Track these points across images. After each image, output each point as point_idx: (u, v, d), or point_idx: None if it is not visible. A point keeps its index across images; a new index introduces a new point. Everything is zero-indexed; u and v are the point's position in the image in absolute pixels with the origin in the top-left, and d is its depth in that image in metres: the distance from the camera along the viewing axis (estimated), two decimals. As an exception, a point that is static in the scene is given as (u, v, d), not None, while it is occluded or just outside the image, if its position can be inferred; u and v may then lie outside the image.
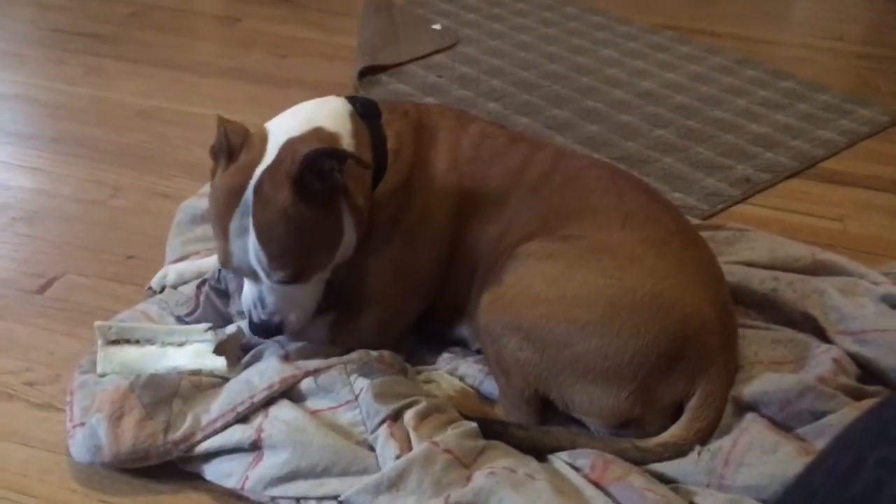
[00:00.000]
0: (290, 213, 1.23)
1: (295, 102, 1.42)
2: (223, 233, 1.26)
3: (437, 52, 2.83)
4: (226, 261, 1.28)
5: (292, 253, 1.25)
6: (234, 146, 1.28)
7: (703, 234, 1.56)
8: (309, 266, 1.29)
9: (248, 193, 1.23)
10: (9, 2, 3.14)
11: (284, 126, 1.32)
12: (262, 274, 1.27)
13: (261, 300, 1.31)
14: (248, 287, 1.33)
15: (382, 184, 1.37)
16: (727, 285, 1.39)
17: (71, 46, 2.74)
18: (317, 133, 1.31)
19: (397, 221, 1.38)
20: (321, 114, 1.35)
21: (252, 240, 1.23)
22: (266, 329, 1.32)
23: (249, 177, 1.24)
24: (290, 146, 1.26)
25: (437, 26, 3.05)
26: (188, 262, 1.60)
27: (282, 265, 1.25)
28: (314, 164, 1.22)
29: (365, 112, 1.40)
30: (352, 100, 1.42)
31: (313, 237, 1.27)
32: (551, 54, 2.89)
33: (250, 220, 1.23)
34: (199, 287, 1.48)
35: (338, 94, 1.44)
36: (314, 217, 1.25)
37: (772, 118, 2.48)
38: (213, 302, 1.46)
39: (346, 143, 1.33)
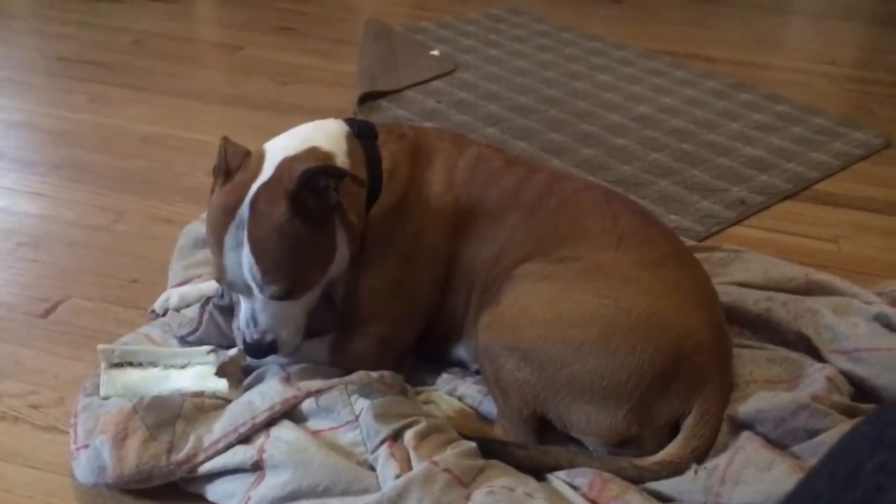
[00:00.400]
0: (285, 229, 1.25)
1: (295, 127, 1.44)
2: (219, 247, 1.28)
3: (436, 77, 2.86)
4: (220, 275, 1.31)
5: (286, 267, 1.27)
6: (231, 165, 1.32)
7: (699, 255, 1.58)
8: (302, 281, 1.31)
9: (244, 208, 1.26)
10: (14, 31, 3.19)
11: (281, 145, 1.35)
12: (255, 288, 1.28)
13: (253, 318, 1.33)
14: (243, 305, 1.35)
15: (378, 204, 1.39)
16: (722, 306, 1.41)
17: (75, 74, 2.78)
18: (312, 152, 1.34)
19: (393, 241, 1.40)
20: (317, 134, 1.39)
21: (246, 253, 1.26)
22: (258, 348, 1.34)
23: (245, 193, 1.27)
24: (286, 164, 1.29)
25: (435, 52, 3.09)
26: (191, 286, 1.61)
27: (275, 279, 1.27)
28: (311, 181, 1.25)
29: (362, 133, 1.43)
30: (349, 122, 1.45)
31: (307, 253, 1.29)
32: (548, 79, 2.92)
33: (245, 234, 1.26)
34: (203, 306, 1.50)
35: (340, 118, 1.47)
36: (308, 233, 1.27)
37: (766, 141, 2.51)
38: (216, 320, 1.48)
39: (341, 162, 1.35)
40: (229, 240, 1.27)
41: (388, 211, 1.40)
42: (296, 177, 1.24)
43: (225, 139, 1.35)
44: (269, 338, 1.33)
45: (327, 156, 1.35)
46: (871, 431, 0.71)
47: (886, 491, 0.65)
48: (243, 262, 1.27)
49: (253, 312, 1.33)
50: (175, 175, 2.17)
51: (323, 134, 1.39)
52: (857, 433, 0.73)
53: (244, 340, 1.35)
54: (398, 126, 1.53)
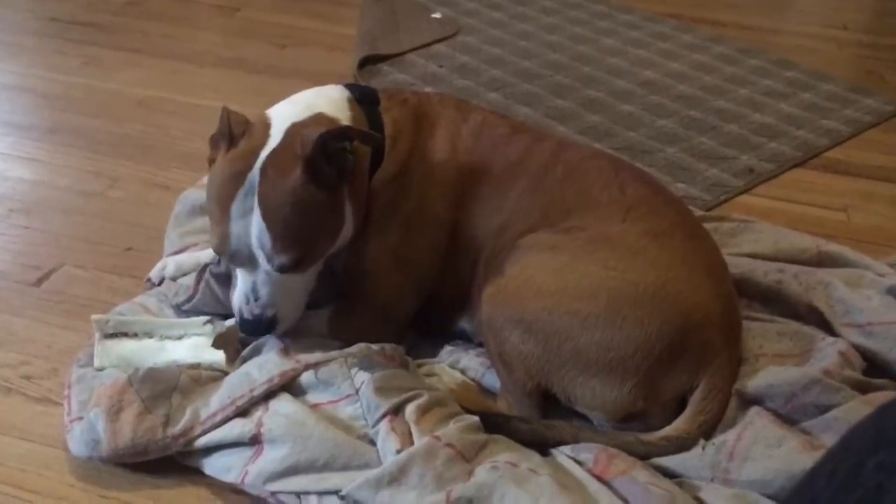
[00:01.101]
0: (300, 194, 1.22)
1: (295, 93, 1.42)
2: (223, 215, 1.24)
3: (438, 41, 2.81)
4: (222, 245, 1.26)
5: (297, 235, 1.24)
6: (235, 133, 1.28)
7: (707, 225, 1.55)
8: (311, 253, 1.28)
9: (254, 174, 1.23)
10: (6, -9, 3.12)
11: (286, 112, 1.32)
12: (262, 258, 1.25)
13: (254, 292, 1.29)
14: (241, 279, 1.31)
15: (380, 171, 1.36)
16: (731, 277, 1.37)
17: (69, 36, 2.72)
18: (318, 118, 1.31)
19: (395, 209, 1.37)
20: (321, 101, 1.36)
21: (256, 221, 1.23)
22: (258, 324, 1.30)
23: (254, 160, 1.25)
24: (295, 130, 1.27)
25: (437, 15, 3.03)
26: (187, 254, 1.58)
27: (285, 248, 1.23)
28: (326, 145, 1.23)
29: (363, 99, 1.40)
30: (351, 87, 1.42)
31: (319, 221, 1.26)
32: (552, 43, 2.87)
33: (255, 200, 1.23)
34: (199, 273, 1.47)
35: (341, 84, 1.43)
36: (321, 201, 1.25)
37: (775, 108, 2.46)
38: (212, 288, 1.45)
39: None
40: (236, 207, 1.23)
41: (390, 179, 1.37)
42: (312, 141, 1.22)
43: (226, 109, 1.31)
44: (269, 313, 1.30)
45: (333, 122, 1.32)
46: (872, 430, 0.70)
47: (887, 490, 0.65)
48: (252, 230, 1.23)
49: (254, 286, 1.29)
50: (171, 140, 2.12)
51: (326, 100, 1.37)
52: (858, 432, 0.73)
53: (241, 317, 1.31)
54: (400, 92, 1.49)
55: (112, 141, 2.10)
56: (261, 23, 2.94)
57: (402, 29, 2.87)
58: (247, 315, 1.30)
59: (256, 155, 1.25)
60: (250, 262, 1.27)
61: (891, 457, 0.66)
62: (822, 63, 2.81)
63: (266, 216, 1.23)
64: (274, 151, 1.25)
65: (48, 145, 2.07)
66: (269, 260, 1.25)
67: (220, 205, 1.25)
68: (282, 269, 1.26)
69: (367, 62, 2.57)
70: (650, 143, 2.23)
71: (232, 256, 1.28)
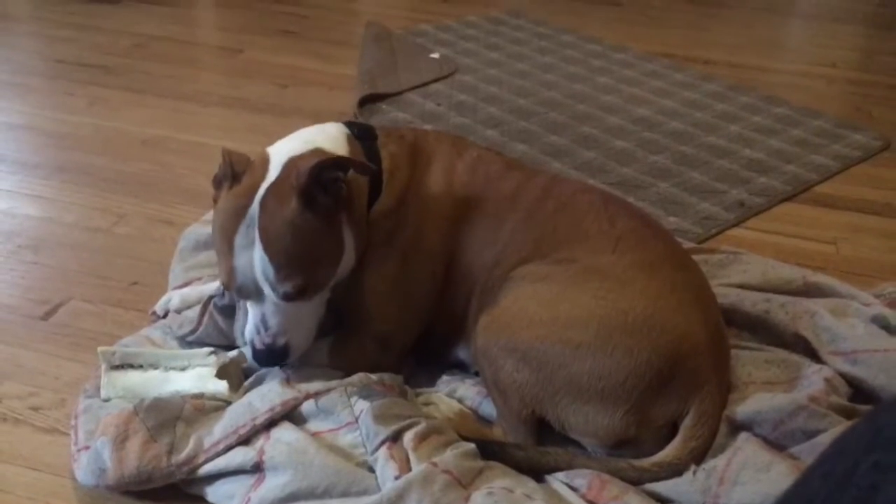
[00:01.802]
0: (297, 223, 1.26)
1: (296, 130, 1.46)
2: (228, 249, 1.28)
3: (436, 80, 2.87)
4: (229, 279, 1.30)
5: (297, 263, 1.27)
6: (237, 171, 1.33)
7: (697, 257, 1.58)
8: (314, 280, 1.31)
9: (254, 207, 1.27)
10: (15, 34, 3.20)
11: (285, 148, 1.37)
12: (267, 288, 1.28)
13: (264, 322, 1.32)
14: (251, 312, 1.34)
15: (378, 204, 1.41)
16: (719, 307, 1.41)
17: (76, 77, 2.78)
18: (316, 153, 1.35)
19: (392, 241, 1.41)
20: (319, 136, 1.41)
21: (258, 252, 1.27)
22: (271, 354, 1.33)
23: (254, 194, 1.29)
24: (292, 163, 1.31)
25: (435, 55, 3.10)
26: (191, 288, 1.62)
27: (288, 276, 1.27)
28: (320, 175, 1.27)
29: (361, 135, 1.45)
30: (349, 124, 1.47)
31: (319, 248, 1.30)
32: (548, 82, 2.93)
33: (256, 232, 1.27)
34: (204, 305, 1.50)
35: (340, 121, 1.48)
36: (319, 227, 1.29)
37: (765, 143, 2.52)
38: (216, 320, 1.48)
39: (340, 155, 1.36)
40: (239, 240, 1.27)
41: (387, 211, 1.41)
42: (305, 171, 1.26)
43: (226, 150, 1.36)
44: (281, 341, 1.32)
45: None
46: (867, 431, 0.70)
47: (882, 490, 0.65)
48: (255, 261, 1.27)
49: (263, 317, 1.32)
50: (175, 177, 2.17)
51: (324, 136, 1.41)
52: (853, 433, 0.73)
53: (254, 348, 1.34)
54: (397, 129, 1.54)
55: (118, 178, 2.15)
56: (263, 63, 3.01)
57: (401, 68, 2.93)
58: (259, 346, 1.33)
59: (256, 189, 1.29)
60: (257, 294, 1.30)
61: (885, 457, 0.65)
62: (811, 100, 2.87)
63: (267, 247, 1.26)
64: (272, 185, 1.29)
65: (55, 183, 2.12)
66: (274, 289, 1.28)
67: (225, 240, 1.29)
68: (287, 298, 1.29)
69: (366, 101, 2.63)
70: (643, 178, 2.28)
71: (239, 290, 1.31)
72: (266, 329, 1.32)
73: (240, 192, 1.30)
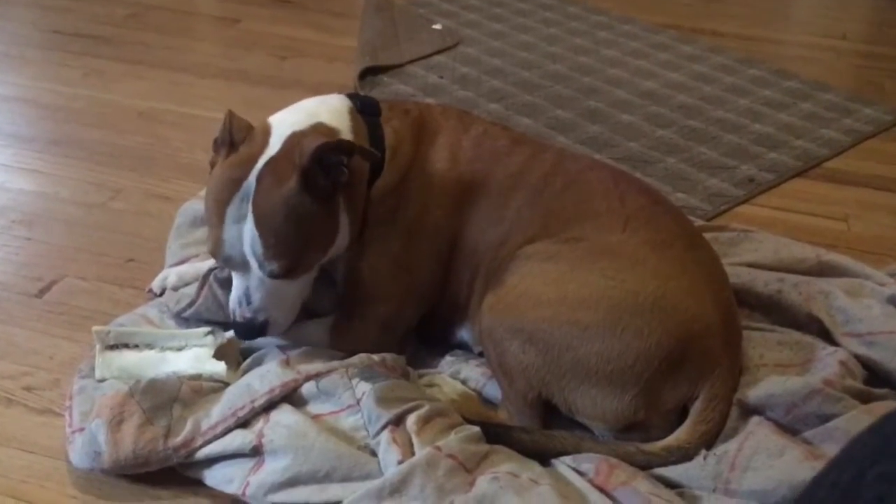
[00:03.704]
0: (293, 203, 1.23)
1: (294, 102, 1.42)
2: (219, 219, 1.26)
3: (438, 52, 2.82)
4: (217, 249, 1.28)
5: (288, 244, 1.25)
6: (236, 138, 1.30)
7: (707, 235, 1.55)
8: (302, 261, 1.28)
9: (251, 181, 1.25)
10: (9, 4, 3.13)
11: (287, 120, 1.33)
12: (254, 264, 1.26)
13: (247, 296, 1.30)
14: (236, 283, 1.32)
15: (380, 180, 1.37)
16: (731, 287, 1.38)
17: (71, 48, 2.73)
18: (319, 128, 1.32)
19: (396, 219, 1.38)
20: (322, 110, 1.37)
21: (249, 227, 1.24)
22: (249, 328, 1.31)
23: (252, 166, 1.26)
24: (294, 139, 1.28)
25: (437, 26, 3.04)
26: (188, 265, 1.59)
27: (276, 255, 1.25)
28: (323, 157, 1.24)
29: (364, 109, 1.41)
30: (352, 97, 1.43)
31: (311, 231, 1.27)
32: (553, 54, 2.88)
33: (249, 206, 1.24)
34: (204, 278, 1.47)
35: (343, 94, 1.44)
36: (315, 210, 1.26)
37: (775, 118, 2.47)
38: (215, 293, 1.45)
39: (346, 138, 1.33)
40: (231, 212, 1.25)
41: (390, 188, 1.38)
42: (309, 152, 1.23)
43: (230, 112, 1.33)
44: (261, 317, 1.31)
45: (333, 132, 1.33)
46: (874, 441, 0.71)
47: (888, 500, 0.65)
48: (245, 235, 1.24)
49: (247, 290, 1.30)
50: (172, 151, 2.13)
51: (327, 109, 1.37)
52: (860, 442, 0.73)
53: (234, 320, 1.33)
54: (402, 102, 1.50)
55: (113, 152, 2.11)
56: (261, 34, 2.95)
57: (403, 40, 2.88)
58: (239, 318, 1.32)
59: (255, 162, 1.26)
60: (243, 267, 1.28)
61: (891, 467, 0.66)
62: (821, 73, 2.82)
63: (259, 223, 1.24)
64: (272, 159, 1.26)
65: (50, 157, 2.08)
66: (261, 266, 1.26)
67: (217, 209, 1.26)
68: (273, 276, 1.27)
69: (367, 73, 2.58)
70: (650, 154, 2.23)
71: (226, 260, 1.29)
72: (248, 303, 1.30)
73: (237, 161, 1.28)
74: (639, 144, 2.28)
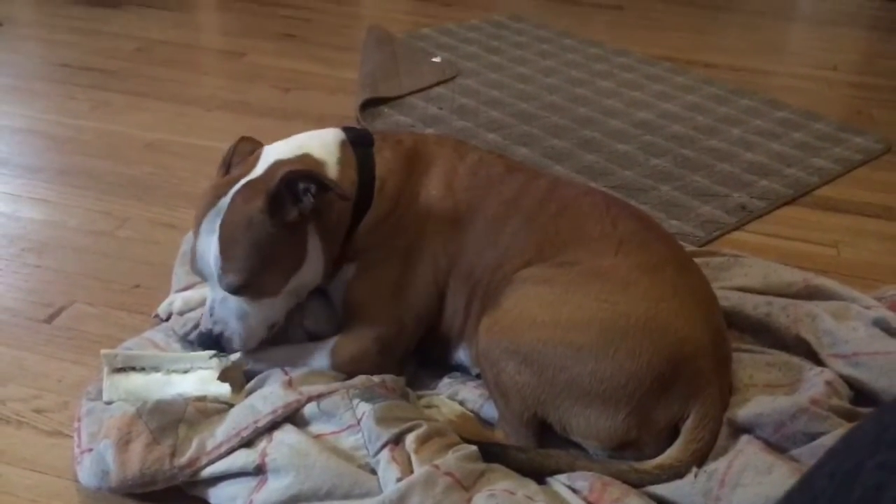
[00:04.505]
0: (254, 223, 1.31)
1: (297, 133, 1.48)
2: (196, 232, 1.35)
3: (438, 84, 2.88)
4: (192, 261, 1.37)
5: (245, 261, 1.32)
6: (233, 161, 1.41)
7: (698, 260, 1.59)
8: (259, 281, 1.35)
9: (226, 199, 1.33)
10: (18, 38, 3.20)
11: (278, 149, 1.42)
12: (215, 276, 1.34)
13: (211, 308, 1.39)
14: (208, 296, 1.41)
15: (372, 209, 1.43)
16: (721, 310, 1.41)
17: (79, 81, 2.79)
18: (303, 158, 1.39)
19: (391, 246, 1.43)
20: (312, 142, 1.44)
21: (215, 240, 1.32)
22: (206, 338, 1.39)
23: (233, 186, 1.34)
24: (276, 166, 1.36)
25: (437, 59, 3.10)
26: (194, 290, 1.62)
27: (232, 269, 1.32)
28: (292, 183, 1.31)
29: (357, 141, 1.47)
30: (347, 130, 1.50)
31: (271, 254, 1.33)
32: (550, 85, 2.94)
33: (219, 221, 1.32)
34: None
35: (339, 126, 1.49)
36: (276, 234, 1.32)
37: (767, 147, 2.52)
38: None
39: (331, 169, 1.41)
40: (205, 225, 1.34)
41: (383, 217, 1.43)
42: (278, 177, 1.30)
43: (241, 138, 1.45)
44: (217, 329, 1.38)
45: (318, 163, 1.40)
46: (872, 430, 0.70)
47: (887, 489, 0.64)
48: (211, 248, 1.33)
49: (212, 303, 1.39)
50: (178, 181, 2.18)
51: (317, 142, 1.44)
52: (858, 432, 0.73)
53: (200, 329, 1.41)
54: (397, 133, 1.56)
55: (121, 182, 2.16)
56: (265, 67, 3.02)
57: (403, 72, 2.94)
58: (201, 327, 1.41)
59: (236, 183, 1.35)
60: (211, 280, 1.36)
61: (890, 457, 0.65)
62: (812, 103, 2.87)
63: (221, 237, 1.32)
64: (249, 181, 1.35)
65: (59, 186, 2.13)
66: (219, 279, 1.34)
67: (196, 222, 1.36)
68: (229, 289, 1.34)
69: (368, 105, 2.63)
70: (645, 182, 2.28)
71: (198, 272, 1.39)
72: (210, 315, 1.38)
73: (224, 181, 1.37)
74: (633, 173, 2.33)
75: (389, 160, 1.45)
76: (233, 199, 1.33)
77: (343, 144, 1.45)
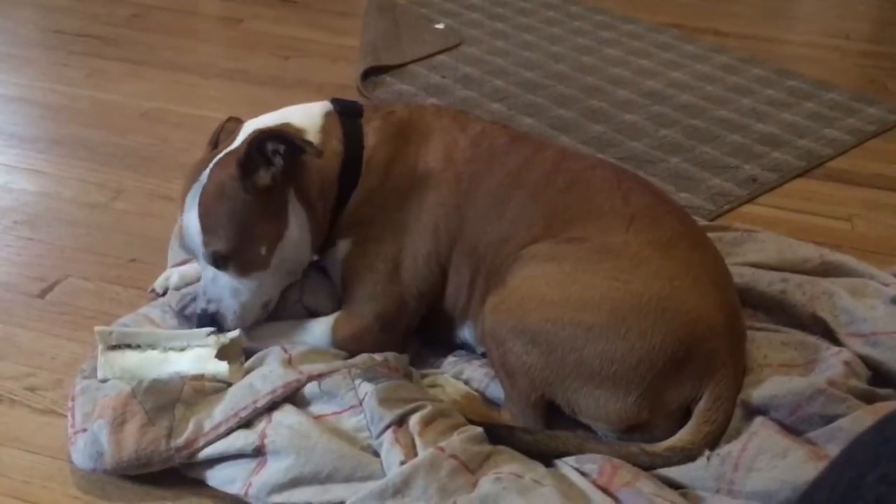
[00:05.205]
0: (228, 190, 1.30)
1: (297, 103, 1.44)
2: (181, 208, 1.35)
3: (441, 52, 2.82)
4: (181, 237, 1.38)
5: (223, 230, 1.31)
6: (220, 139, 1.41)
7: (710, 235, 1.55)
8: (242, 252, 1.33)
9: (206, 171, 1.32)
10: (11, 3, 3.14)
11: (260, 121, 1.40)
12: (199, 249, 1.33)
13: (203, 286, 1.37)
14: (202, 275, 1.39)
15: (363, 180, 1.40)
16: (735, 287, 1.37)
17: (73, 48, 2.73)
18: (282, 126, 1.37)
19: (387, 218, 1.40)
20: (296, 112, 1.43)
21: (195, 212, 1.31)
22: (201, 317, 1.38)
23: (214, 160, 1.34)
24: (250, 134, 1.34)
25: (440, 26, 3.05)
26: (191, 265, 1.58)
27: (213, 241, 1.32)
28: (261, 145, 1.30)
29: (345, 111, 1.44)
30: (336, 101, 1.47)
31: (249, 221, 1.32)
32: (556, 54, 2.87)
33: (199, 195, 1.31)
34: None
35: (341, 96, 1.45)
36: (253, 201, 1.31)
37: (778, 117, 2.47)
38: None
39: (312, 136, 1.38)
40: (189, 199, 1.33)
41: (374, 187, 1.40)
42: (245, 142, 1.29)
43: (230, 118, 1.44)
44: (211, 308, 1.37)
45: (297, 130, 1.37)
46: (873, 443, 0.70)
47: (888, 502, 0.64)
48: (193, 222, 1.32)
49: (205, 281, 1.37)
50: (175, 151, 2.13)
51: (302, 113, 1.43)
52: (860, 444, 0.73)
53: (195, 308, 1.40)
54: (389, 104, 1.54)
55: (116, 152, 2.11)
56: (264, 34, 2.95)
57: (405, 40, 2.88)
58: (196, 307, 1.39)
59: (217, 157, 1.34)
60: (199, 256, 1.36)
61: (891, 469, 0.65)
62: (824, 72, 2.82)
63: (200, 208, 1.31)
64: (225, 153, 1.34)
65: (52, 157, 2.08)
66: (203, 252, 1.33)
67: (182, 198, 1.35)
68: (214, 262, 1.34)
69: (370, 73, 2.58)
70: (653, 153, 2.23)
71: (187, 249, 1.39)
72: (204, 293, 1.36)
73: (207, 156, 1.37)
74: (642, 144, 2.28)
75: (379, 130, 1.42)
76: (210, 171, 1.32)
77: (328, 114, 1.42)
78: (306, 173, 1.35)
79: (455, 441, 1.18)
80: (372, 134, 1.41)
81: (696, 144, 2.28)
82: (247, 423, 1.24)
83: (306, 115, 1.41)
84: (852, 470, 0.69)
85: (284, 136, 1.30)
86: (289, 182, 1.34)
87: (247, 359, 1.38)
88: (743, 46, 3.03)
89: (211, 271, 1.35)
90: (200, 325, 1.37)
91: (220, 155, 1.34)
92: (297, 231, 1.36)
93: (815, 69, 2.84)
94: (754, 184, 2.10)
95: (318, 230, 1.39)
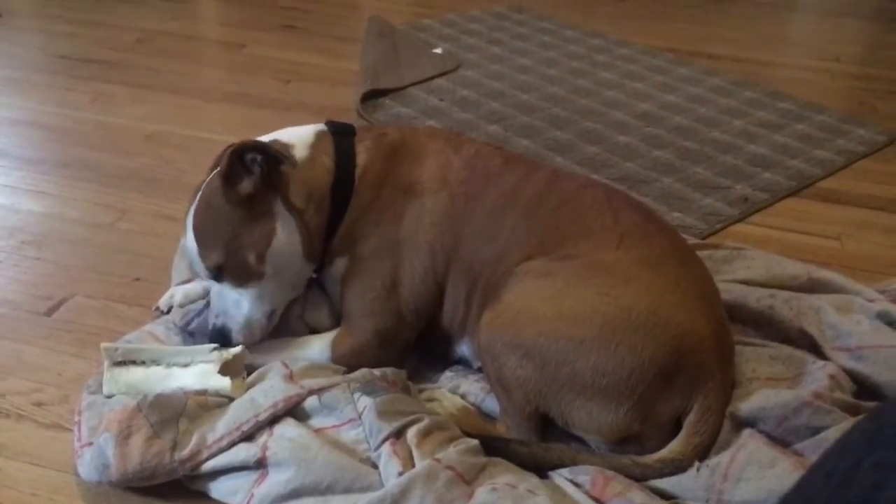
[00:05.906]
0: (213, 203, 1.37)
1: (297, 126, 1.48)
2: (184, 229, 1.41)
3: (439, 75, 2.86)
4: (187, 258, 1.43)
5: (214, 241, 1.36)
6: (218, 161, 1.44)
7: (701, 253, 1.58)
8: (235, 262, 1.37)
9: (200, 191, 1.38)
10: (17, 29, 3.19)
11: None
12: (200, 266, 1.38)
13: (212, 303, 1.43)
14: (211, 292, 1.44)
15: (356, 196, 1.43)
16: (723, 303, 1.40)
17: (78, 73, 2.78)
18: (261, 140, 1.41)
19: (382, 236, 1.43)
20: (288, 131, 1.48)
21: (191, 230, 1.37)
22: (212, 333, 1.42)
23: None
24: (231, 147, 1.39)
25: (438, 50, 3.09)
26: (195, 283, 1.62)
27: (207, 254, 1.37)
28: (241, 157, 1.35)
29: (337, 131, 1.48)
30: (330, 123, 1.51)
31: (236, 230, 1.37)
32: (551, 77, 2.92)
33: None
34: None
35: (341, 118, 1.49)
36: (237, 211, 1.36)
37: (769, 138, 2.51)
38: None
39: (300, 152, 1.43)
40: (187, 221, 1.40)
41: (367, 205, 1.44)
42: (227, 155, 1.35)
43: (231, 145, 1.45)
44: (218, 322, 1.42)
45: (285, 146, 1.43)
46: (869, 430, 0.71)
47: (884, 489, 0.65)
48: (190, 239, 1.38)
49: (211, 297, 1.44)
50: (178, 173, 2.17)
51: (294, 131, 1.48)
52: (855, 431, 0.73)
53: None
54: (382, 126, 1.60)
55: (121, 174, 2.15)
56: (266, 59, 3.00)
57: (404, 64, 2.92)
58: (209, 324, 1.44)
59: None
60: (202, 273, 1.41)
61: (887, 456, 0.66)
62: (815, 94, 2.86)
63: (193, 224, 1.38)
64: (215, 172, 1.40)
65: (58, 179, 2.12)
66: (202, 268, 1.38)
67: (185, 220, 1.41)
68: (211, 275, 1.39)
69: (369, 96, 2.62)
70: (647, 174, 2.27)
71: (191, 269, 1.45)
72: (212, 309, 1.43)
73: (205, 180, 1.41)
74: (635, 165, 2.32)
75: (371, 149, 1.46)
76: (201, 191, 1.40)
77: (320, 133, 1.47)
78: (291, 182, 1.40)
79: (452, 453, 1.21)
80: (364, 152, 1.45)
81: (688, 165, 2.32)
82: (249, 437, 1.27)
83: (297, 134, 1.46)
84: (848, 457, 0.69)
85: (259, 147, 1.35)
86: (273, 190, 1.38)
87: (248, 374, 1.41)
88: (735, 69, 3.08)
89: (216, 286, 1.41)
90: (212, 340, 1.41)
91: (210, 175, 1.41)
92: (285, 237, 1.39)
93: (805, 91, 2.88)
94: (746, 203, 2.14)
95: (309, 239, 1.42)
